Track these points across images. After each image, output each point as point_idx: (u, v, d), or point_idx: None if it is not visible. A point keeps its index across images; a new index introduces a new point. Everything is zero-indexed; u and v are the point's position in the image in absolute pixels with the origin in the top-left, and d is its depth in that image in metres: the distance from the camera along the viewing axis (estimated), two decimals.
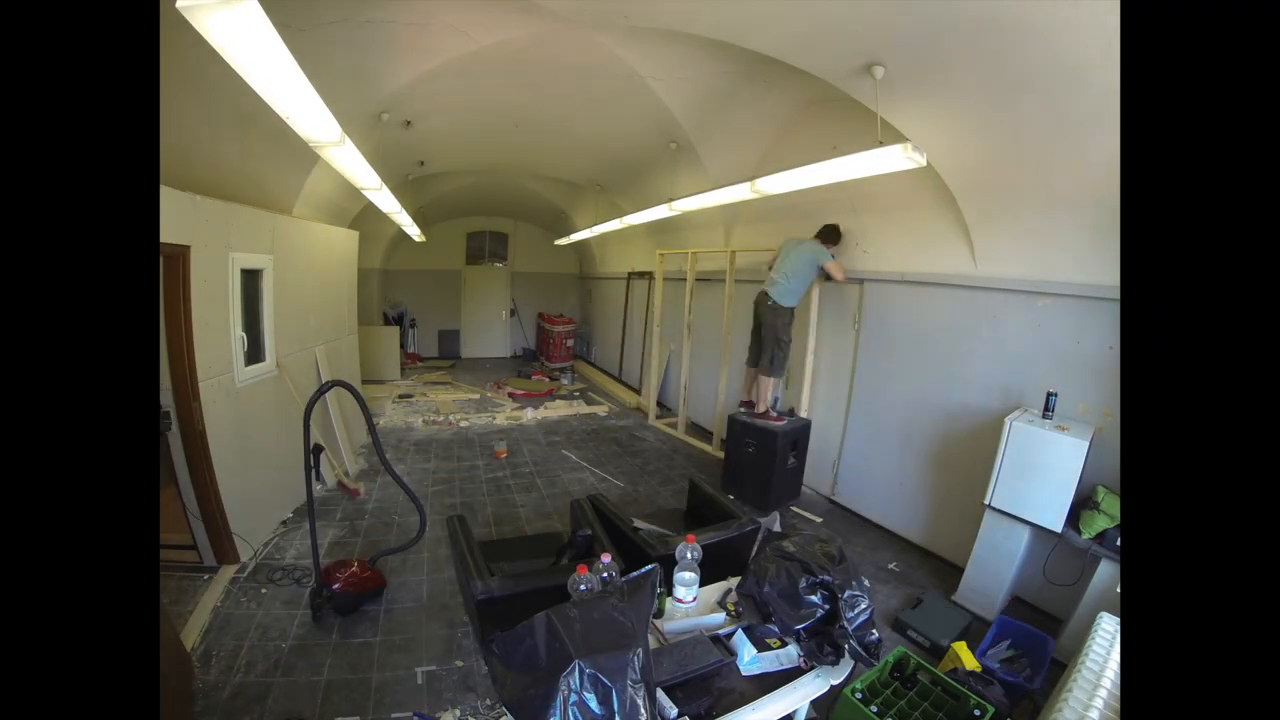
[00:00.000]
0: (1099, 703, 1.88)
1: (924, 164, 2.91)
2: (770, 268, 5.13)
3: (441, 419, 7.67)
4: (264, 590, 3.51)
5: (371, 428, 3.33)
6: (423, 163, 6.98)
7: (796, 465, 5.18)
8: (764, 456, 4.91)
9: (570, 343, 12.00)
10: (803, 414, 5.33)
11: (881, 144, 2.88)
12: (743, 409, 5.30)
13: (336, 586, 3.25)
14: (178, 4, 1.36)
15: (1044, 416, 3.32)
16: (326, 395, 5.40)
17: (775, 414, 5.05)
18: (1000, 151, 3.30)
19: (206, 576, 3.60)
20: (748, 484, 5.07)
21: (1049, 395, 3.32)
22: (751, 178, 3.87)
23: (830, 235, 4.89)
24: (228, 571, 3.67)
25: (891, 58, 3.09)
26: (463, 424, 7.57)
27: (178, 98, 3.44)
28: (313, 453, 3.17)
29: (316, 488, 5.08)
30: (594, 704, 1.55)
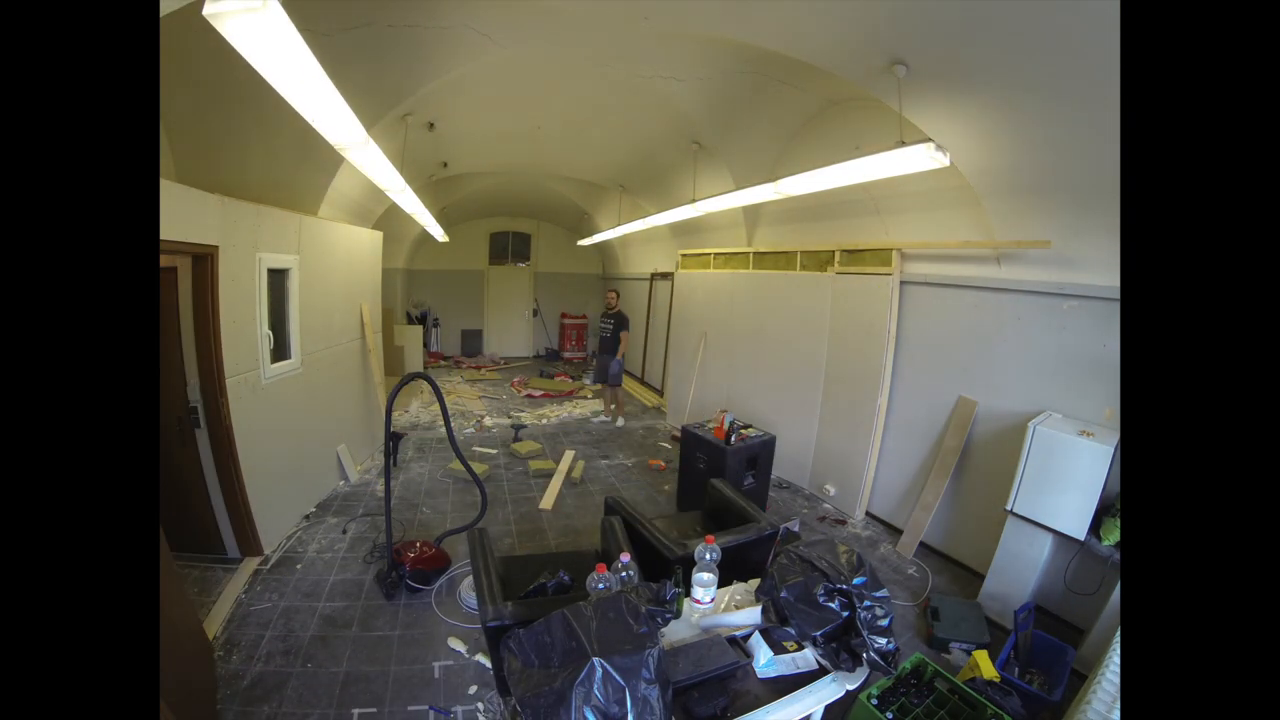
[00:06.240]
0: (1118, 716, 1.85)
1: (947, 164, 2.87)
2: None
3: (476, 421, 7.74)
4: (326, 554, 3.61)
5: (446, 417, 3.81)
6: (446, 164, 7.05)
7: (755, 486, 4.72)
8: (714, 475, 4.18)
9: (583, 335, 13.48)
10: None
11: (903, 144, 2.84)
12: None
13: (408, 566, 3.56)
14: (204, 10, 1.39)
15: None
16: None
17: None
18: (1024, 152, 3.24)
19: (230, 568, 3.68)
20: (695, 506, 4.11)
21: None
22: (773, 178, 3.85)
23: None
24: (251, 564, 3.75)
25: (913, 56, 3.05)
26: (489, 425, 7.65)
27: (206, 103, 3.54)
28: (390, 440, 3.62)
29: (340, 485, 5.18)
30: (607, 702, 1.55)
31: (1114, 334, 3.23)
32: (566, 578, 2.74)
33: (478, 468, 5.63)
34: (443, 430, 7.16)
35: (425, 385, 8.88)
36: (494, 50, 3.78)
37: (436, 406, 8.22)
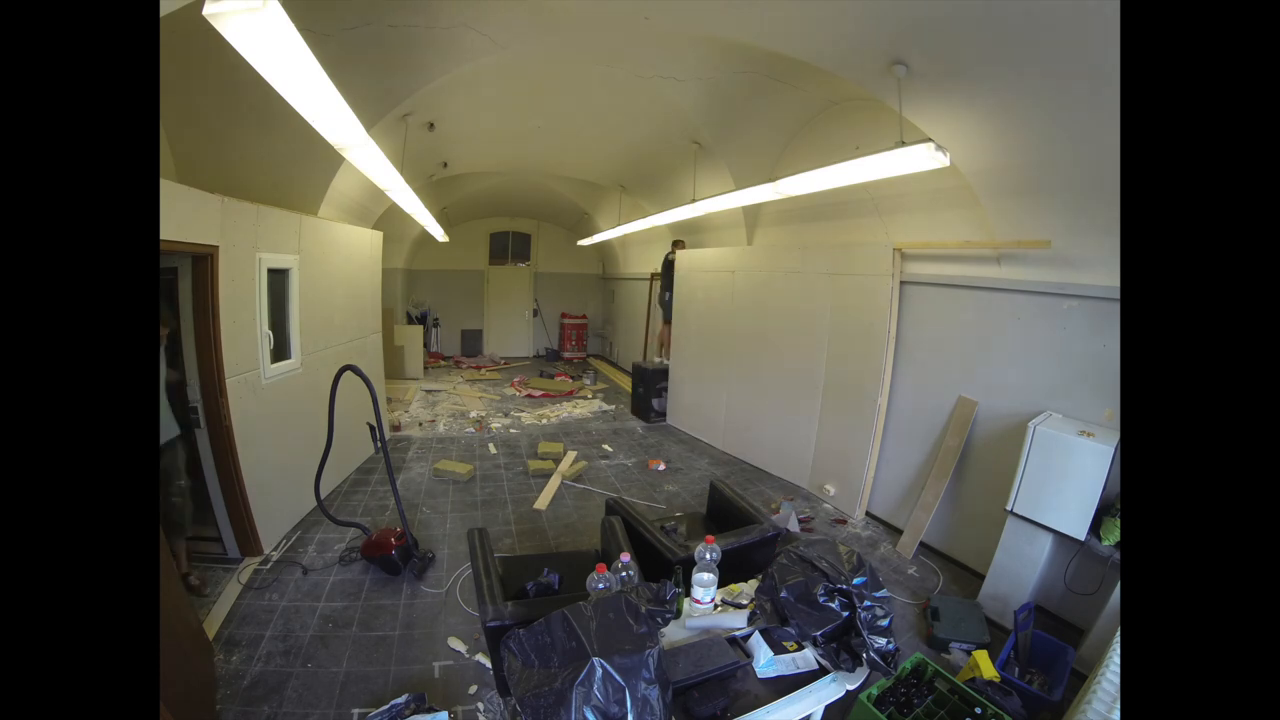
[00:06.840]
0: (1118, 716, 1.85)
1: (947, 164, 2.87)
2: None
3: (477, 423, 7.69)
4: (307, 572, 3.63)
5: (377, 411, 3.75)
6: (446, 164, 7.05)
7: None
8: None
9: (583, 336, 13.72)
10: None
11: (903, 144, 2.84)
12: None
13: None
14: (204, 10, 1.39)
15: None
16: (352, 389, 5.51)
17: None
18: (1024, 151, 3.24)
19: (230, 568, 3.68)
20: None
21: None
22: (773, 178, 3.85)
23: None
24: (251, 563, 3.75)
25: (913, 56, 3.05)
26: (493, 426, 7.64)
27: (206, 103, 3.54)
28: (370, 428, 3.80)
29: (340, 484, 5.17)
30: (607, 702, 1.55)
31: (1114, 334, 3.23)
32: (554, 578, 2.70)
33: (468, 467, 5.69)
34: (442, 430, 7.23)
35: (425, 383, 8.91)
36: (494, 50, 3.78)
37: (439, 407, 8.32)
